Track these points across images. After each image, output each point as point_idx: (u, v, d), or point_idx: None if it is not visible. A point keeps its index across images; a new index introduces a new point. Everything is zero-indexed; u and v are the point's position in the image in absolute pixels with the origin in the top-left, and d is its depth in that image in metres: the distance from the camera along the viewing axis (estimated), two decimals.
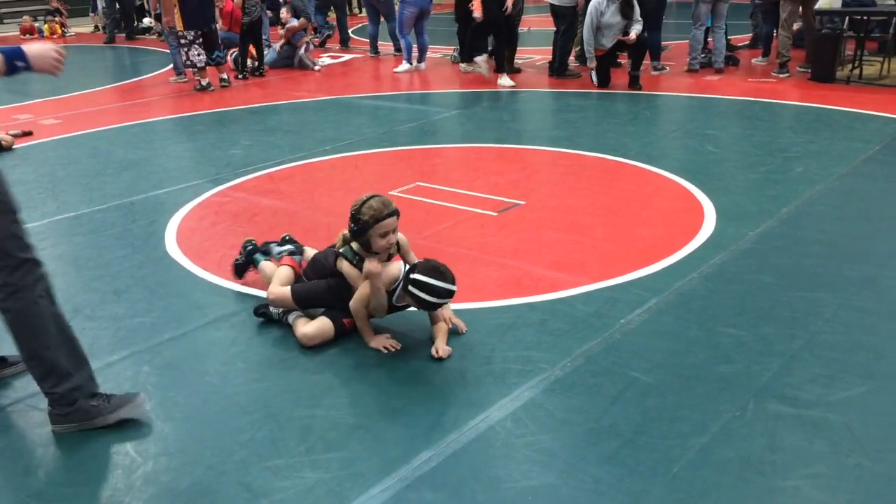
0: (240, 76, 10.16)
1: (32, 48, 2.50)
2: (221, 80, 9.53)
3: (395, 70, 10.44)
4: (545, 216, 4.77)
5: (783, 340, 3.19)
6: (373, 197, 3.23)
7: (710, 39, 9.45)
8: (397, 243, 3.35)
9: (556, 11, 9.26)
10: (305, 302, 3.40)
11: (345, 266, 3.31)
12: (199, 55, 9.08)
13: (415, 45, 10.45)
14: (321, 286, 3.42)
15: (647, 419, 2.68)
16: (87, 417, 2.71)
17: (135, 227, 4.78)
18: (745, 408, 2.73)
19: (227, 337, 3.38)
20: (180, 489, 2.41)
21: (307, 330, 3.25)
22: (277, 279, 3.48)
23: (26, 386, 2.95)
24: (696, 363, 3.04)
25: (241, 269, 3.91)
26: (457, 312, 3.50)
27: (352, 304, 3.24)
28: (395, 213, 3.24)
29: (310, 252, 3.78)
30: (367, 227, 3.16)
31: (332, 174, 5.82)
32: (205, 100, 8.92)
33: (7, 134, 6.82)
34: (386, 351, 3.21)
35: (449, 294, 3.12)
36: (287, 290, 3.39)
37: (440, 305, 3.17)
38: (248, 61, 10.25)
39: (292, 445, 2.61)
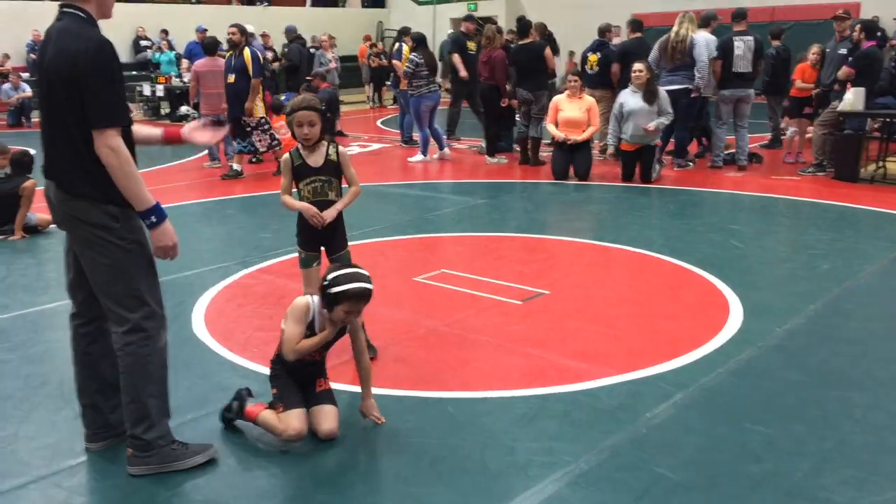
0: (253, 160, 10.46)
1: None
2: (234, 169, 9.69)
3: (410, 160, 10.70)
4: (570, 306, 4.77)
5: (813, 440, 3.12)
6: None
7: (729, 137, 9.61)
8: (335, 148, 3.81)
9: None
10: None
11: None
12: (259, 140, 9.46)
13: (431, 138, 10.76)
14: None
15: None
16: (165, 461, 2.90)
17: None
18: None
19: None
20: None
21: (295, 425, 3.08)
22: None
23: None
24: (723, 461, 2.97)
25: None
26: (479, 401, 3.49)
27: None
28: (309, 108, 3.65)
29: None
30: (290, 115, 3.70)
31: (358, 259, 5.84)
32: (236, 185, 9.15)
33: (42, 215, 6.98)
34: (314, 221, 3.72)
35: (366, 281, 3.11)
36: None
37: (367, 294, 3.11)
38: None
39: None
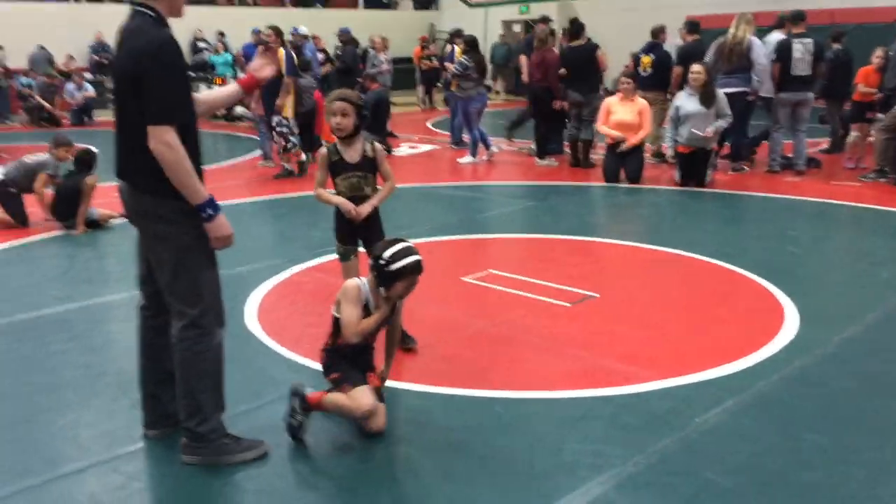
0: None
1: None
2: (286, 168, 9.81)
3: (459, 160, 10.75)
4: (619, 309, 4.73)
5: (869, 449, 3.04)
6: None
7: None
8: (371, 144, 3.92)
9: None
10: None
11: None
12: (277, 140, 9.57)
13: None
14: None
15: None
16: (217, 453, 2.98)
17: None
18: None
19: None
20: None
21: (367, 401, 3.10)
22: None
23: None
24: (775, 468, 2.92)
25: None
26: (526, 401, 3.49)
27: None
28: (343, 99, 3.79)
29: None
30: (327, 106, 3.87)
31: None
32: (288, 184, 9.28)
33: (104, 211, 7.20)
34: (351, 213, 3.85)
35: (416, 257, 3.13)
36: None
37: (422, 265, 3.14)
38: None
39: None
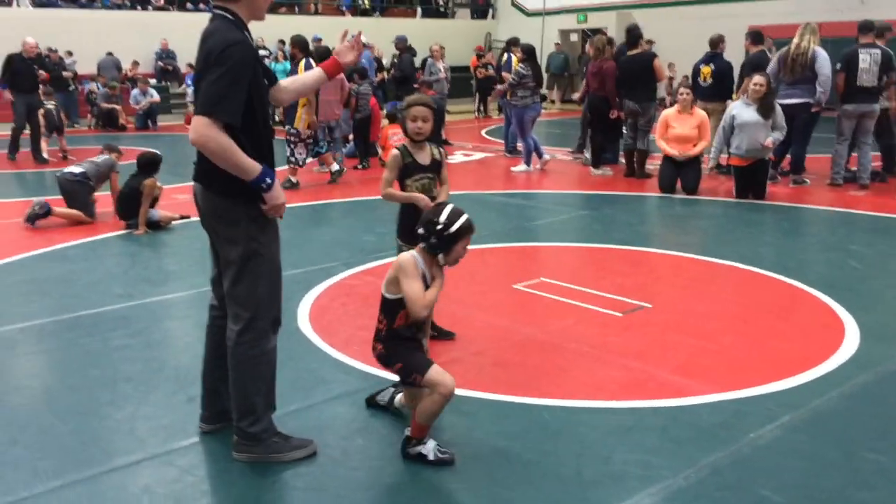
0: (359, 166, 10.94)
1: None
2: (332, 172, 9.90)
3: (513, 169, 10.75)
4: (672, 320, 4.66)
5: None
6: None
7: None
8: (437, 149, 4.06)
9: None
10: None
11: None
12: (301, 154, 9.45)
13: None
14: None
15: None
16: (268, 452, 3.03)
17: None
18: None
19: (349, 413, 3.47)
20: None
21: (445, 379, 2.96)
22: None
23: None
24: (833, 486, 2.83)
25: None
26: (575, 410, 3.46)
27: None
28: (425, 104, 3.92)
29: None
30: (405, 110, 3.95)
31: (459, 265, 5.92)
32: (342, 189, 9.40)
33: (165, 213, 7.40)
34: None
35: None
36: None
37: (471, 227, 3.11)
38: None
39: None
